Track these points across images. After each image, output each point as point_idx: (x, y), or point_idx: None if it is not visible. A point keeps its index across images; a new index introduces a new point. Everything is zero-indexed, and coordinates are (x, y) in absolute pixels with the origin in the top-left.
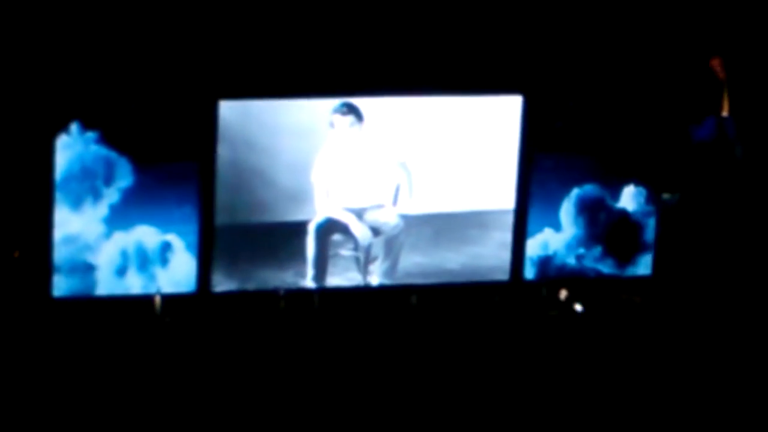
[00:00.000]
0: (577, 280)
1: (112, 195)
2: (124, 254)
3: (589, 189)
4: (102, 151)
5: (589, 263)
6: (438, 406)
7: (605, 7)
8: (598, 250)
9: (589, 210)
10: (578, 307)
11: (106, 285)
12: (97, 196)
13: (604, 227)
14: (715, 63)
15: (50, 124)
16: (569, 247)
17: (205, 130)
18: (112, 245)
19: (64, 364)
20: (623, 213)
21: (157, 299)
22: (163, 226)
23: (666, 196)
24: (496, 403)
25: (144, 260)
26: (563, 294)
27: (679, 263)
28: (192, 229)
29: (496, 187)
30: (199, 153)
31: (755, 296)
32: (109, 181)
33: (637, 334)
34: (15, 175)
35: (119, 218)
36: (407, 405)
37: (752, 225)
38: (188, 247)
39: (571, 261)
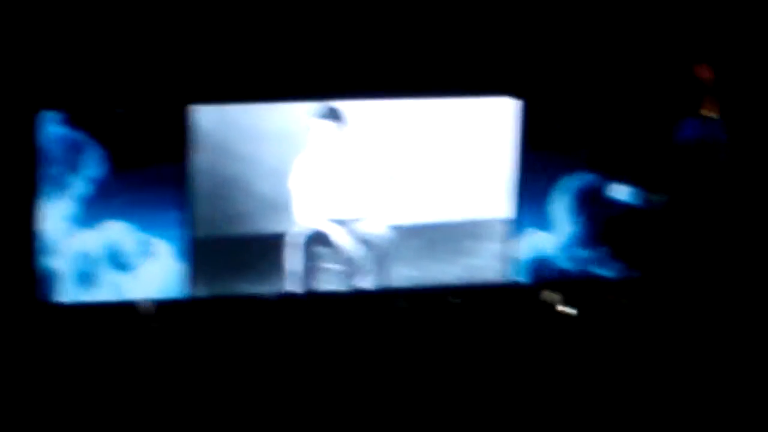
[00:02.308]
0: (567, 282)
1: (79, 185)
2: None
3: (585, 179)
4: (68, 133)
5: (590, 266)
6: (428, 409)
7: (595, 8)
8: (602, 251)
9: (585, 203)
10: (568, 310)
11: (92, 289)
12: (61, 185)
13: (604, 224)
14: (702, 65)
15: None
16: (564, 248)
17: (183, 136)
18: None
19: (52, 373)
20: (624, 207)
21: (145, 305)
22: (147, 228)
23: (653, 197)
24: (486, 406)
25: (121, 262)
26: (553, 297)
27: (666, 264)
28: (178, 233)
29: (490, 194)
30: (183, 157)
31: (741, 296)
32: (75, 168)
33: (625, 336)
34: None
35: (89, 214)
36: (397, 408)
37: (738, 226)
38: (175, 251)
39: (567, 263)
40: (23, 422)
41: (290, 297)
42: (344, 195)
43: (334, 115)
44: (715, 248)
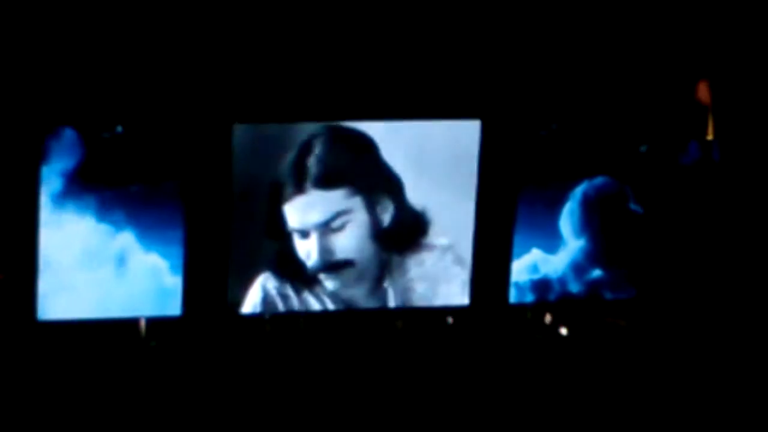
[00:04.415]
0: (566, 303)
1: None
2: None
3: (602, 182)
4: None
5: (594, 287)
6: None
7: (593, 27)
8: (605, 272)
9: (601, 212)
10: (563, 331)
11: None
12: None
13: (606, 245)
14: (701, 86)
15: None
16: (568, 268)
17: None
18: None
19: (45, 391)
20: (625, 227)
21: (142, 322)
22: (149, 245)
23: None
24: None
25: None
26: (548, 318)
27: (664, 286)
28: (176, 251)
29: None
30: (182, 172)
31: (740, 321)
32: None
33: (620, 358)
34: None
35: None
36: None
37: (737, 248)
38: (173, 268)
39: (570, 284)
40: None
41: (287, 314)
42: None
43: None
44: (714, 269)
